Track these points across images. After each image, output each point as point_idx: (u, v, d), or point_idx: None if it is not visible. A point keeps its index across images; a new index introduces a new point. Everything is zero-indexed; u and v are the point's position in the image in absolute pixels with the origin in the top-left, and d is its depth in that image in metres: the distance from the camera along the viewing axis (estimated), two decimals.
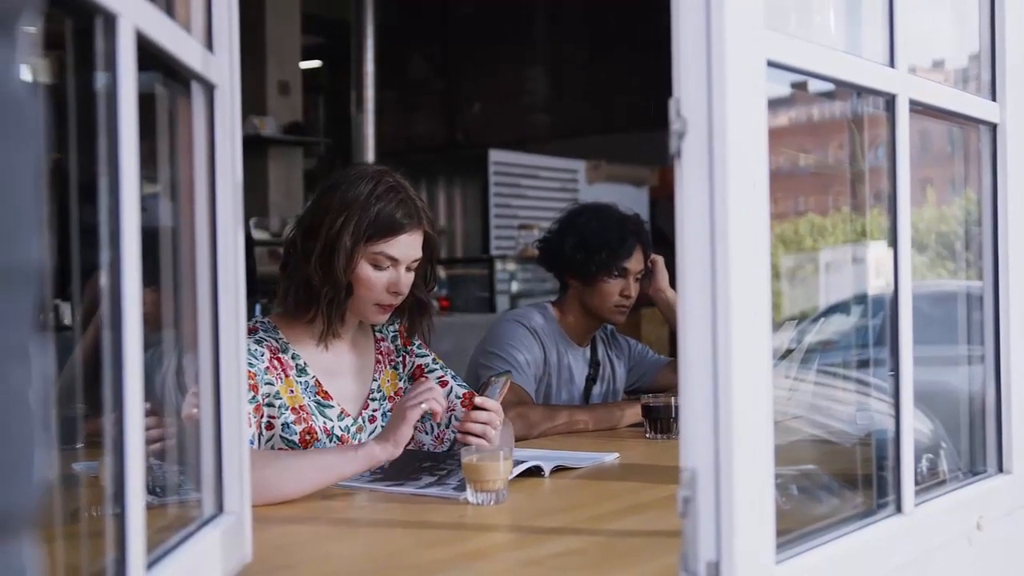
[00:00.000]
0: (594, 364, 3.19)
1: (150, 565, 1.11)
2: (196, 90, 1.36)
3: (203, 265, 1.38)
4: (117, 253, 1.02)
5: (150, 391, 1.10)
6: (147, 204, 1.12)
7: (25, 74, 0.60)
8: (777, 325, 1.30)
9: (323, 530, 1.79)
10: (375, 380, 2.37)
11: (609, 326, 3.23)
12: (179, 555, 1.21)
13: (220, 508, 1.39)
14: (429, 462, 2.15)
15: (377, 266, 2.21)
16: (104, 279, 1.03)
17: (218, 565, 1.33)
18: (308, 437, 2.19)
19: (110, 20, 1.01)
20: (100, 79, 1.03)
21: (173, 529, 1.30)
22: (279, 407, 2.17)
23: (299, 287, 2.22)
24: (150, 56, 1.13)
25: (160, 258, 1.36)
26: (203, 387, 1.39)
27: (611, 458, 2.37)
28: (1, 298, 0.57)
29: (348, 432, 2.27)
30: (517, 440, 2.68)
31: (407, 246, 2.23)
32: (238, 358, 1.42)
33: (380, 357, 2.40)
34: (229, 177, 1.40)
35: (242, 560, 1.43)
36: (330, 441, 2.22)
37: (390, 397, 2.37)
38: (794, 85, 1.49)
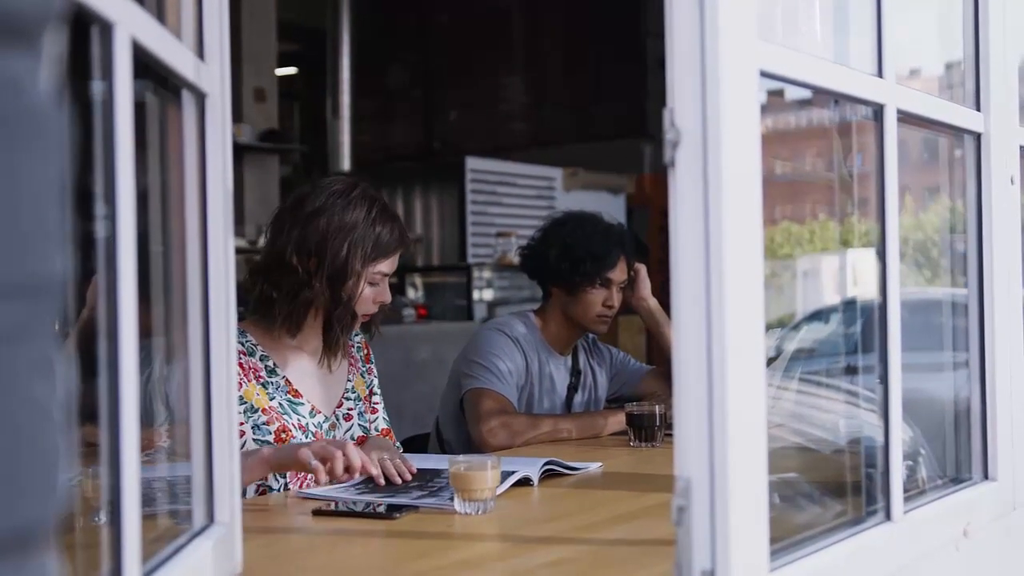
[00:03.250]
0: (576, 373, 3.19)
1: None
2: (187, 99, 1.35)
3: (194, 274, 1.37)
4: (113, 261, 1.02)
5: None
6: (136, 212, 1.11)
7: (49, 86, 0.60)
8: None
9: (313, 541, 1.78)
10: (349, 380, 2.45)
11: (591, 334, 3.23)
12: (171, 566, 1.20)
13: (211, 519, 1.38)
14: (418, 480, 2.14)
15: (372, 283, 2.33)
16: (100, 288, 1.03)
17: None
18: (284, 435, 2.25)
19: (106, 28, 1.00)
20: (96, 87, 1.03)
21: (163, 540, 1.29)
22: (245, 411, 2.21)
23: (303, 308, 2.28)
24: (142, 64, 1.12)
25: (150, 266, 1.35)
26: (193, 397, 1.38)
27: (595, 467, 2.37)
28: (26, 311, 0.57)
29: (321, 429, 2.34)
30: (500, 449, 2.68)
31: (396, 261, 2.38)
32: (228, 368, 1.41)
33: (352, 360, 2.49)
34: (220, 185, 1.39)
35: (232, 571, 1.42)
36: (305, 437, 2.28)
37: (364, 398, 2.47)
38: (771, 93, 1.49)
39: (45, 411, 0.58)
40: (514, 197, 8.42)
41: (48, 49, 0.60)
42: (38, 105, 0.58)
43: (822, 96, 1.62)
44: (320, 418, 2.34)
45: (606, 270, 3.03)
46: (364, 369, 2.52)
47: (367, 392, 2.50)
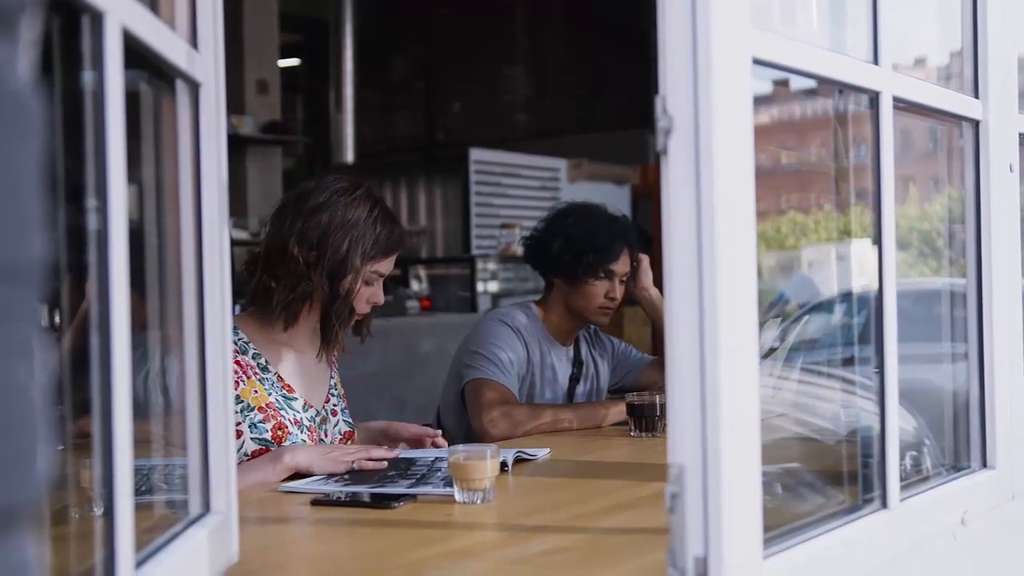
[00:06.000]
0: (577, 363, 3.19)
1: (138, 564, 1.10)
2: (181, 88, 1.35)
3: (188, 265, 1.37)
4: (105, 253, 1.02)
5: (133, 392, 1.09)
6: (129, 204, 1.12)
7: (26, 72, 0.60)
8: (760, 323, 1.30)
9: (310, 530, 1.79)
10: (332, 378, 2.51)
11: (592, 325, 3.23)
12: (167, 554, 1.21)
13: (207, 507, 1.39)
14: (393, 471, 2.15)
15: (367, 282, 2.36)
16: (91, 280, 1.03)
17: (205, 564, 1.32)
18: (280, 432, 2.28)
19: (97, 18, 1.00)
20: (86, 77, 1.03)
21: (159, 529, 1.29)
22: (242, 410, 2.24)
23: (300, 299, 2.31)
24: (135, 54, 1.12)
25: (144, 258, 1.35)
26: (189, 388, 1.38)
27: (544, 453, 2.41)
28: (6, 294, 0.57)
29: (314, 423, 2.38)
30: (502, 439, 2.69)
31: (392, 262, 2.41)
32: (224, 358, 1.41)
33: (333, 360, 2.53)
34: (215, 176, 1.39)
35: (229, 560, 1.42)
36: (300, 432, 2.31)
37: (342, 395, 2.53)
38: (776, 82, 1.49)
39: (24, 393, 0.58)
40: (518, 188, 8.41)
41: (25, 36, 0.60)
42: (15, 91, 0.59)
43: (826, 85, 1.62)
44: (312, 412, 2.38)
45: (609, 262, 3.03)
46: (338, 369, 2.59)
47: (343, 390, 2.56)
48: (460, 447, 1.98)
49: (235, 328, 2.32)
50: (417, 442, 2.46)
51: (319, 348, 2.39)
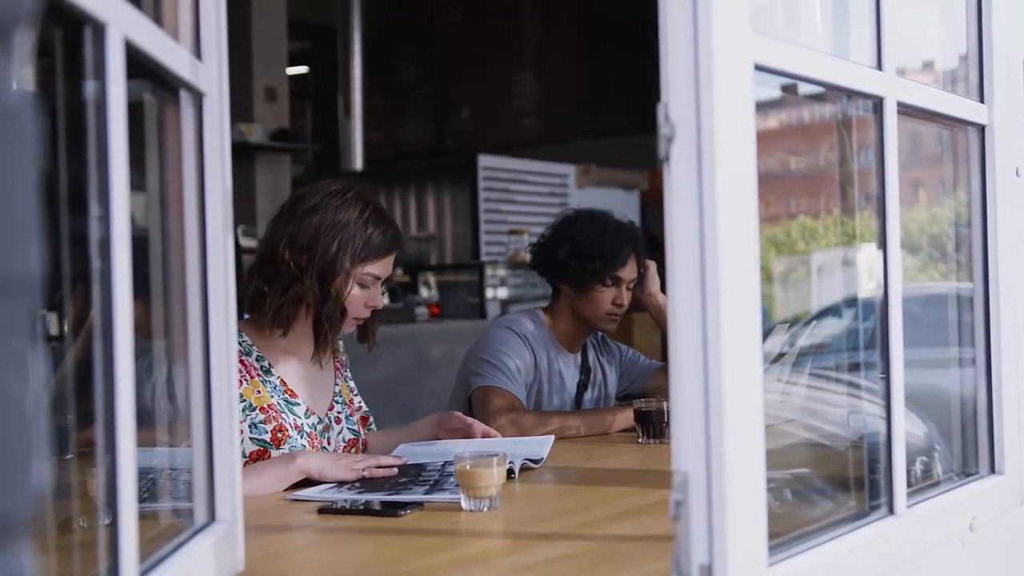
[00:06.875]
0: (585, 370, 3.19)
1: (143, 574, 1.10)
2: (185, 98, 1.36)
3: (193, 274, 1.38)
4: (108, 263, 1.02)
5: (140, 402, 1.10)
6: (135, 213, 1.12)
7: (21, 84, 0.60)
8: (769, 328, 1.30)
9: (316, 539, 1.78)
10: (336, 385, 2.50)
11: (600, 332, 3.23)
12: (172, 564, 1.21)
13: (212, 516, 1.39)
14: (405, 477, 2.15)
15: (362, 285, 2.35)
16: (95, 289, 1.03)
17: (211, 573, 1.33)
18: (280, 435, 2.29)
19: (99, 29, 1.01)
20: (89, 87, 1.03)
21: (164, 538, 1.29)
22: (243, 409, 2.25)
23: (292, 303, 2.31)
24: (138, 64, 1.13)
25: (149, 268, 1.36)
26: (194, 396, 1.39)
27: (548, 442, 2.44)
28: (2, 307, 0.57)
29: (315, 430, 2.38)
30: None
31: (389, 265, 2.40)
32: (229, 366, 1.42)
33: (338, 366, 2.53)
34: (219, 185, 1.39)
35: (234, 569, 1.43)
36: (300, 437, 2.32)
37: (348, 402, 2.52)
38: (784, 88, 1.49)
39: (18, 406, 0.58)
40: (527, 195, 8.41)
41: (20, 48, 0.60)
42: (10, 104, 0.59)
43: (832, 90, 1.61)
44: (314, 419, 2.38)
45: (616, 268, 3.03)
46: (347, 375, 2.57)
47: (351, 396, 2.54)
48: (467, 454, 1.97)
49: (239, 331, 2.33)
50: (465, 432, 2.49)
51: (313, 352, 2.39)
